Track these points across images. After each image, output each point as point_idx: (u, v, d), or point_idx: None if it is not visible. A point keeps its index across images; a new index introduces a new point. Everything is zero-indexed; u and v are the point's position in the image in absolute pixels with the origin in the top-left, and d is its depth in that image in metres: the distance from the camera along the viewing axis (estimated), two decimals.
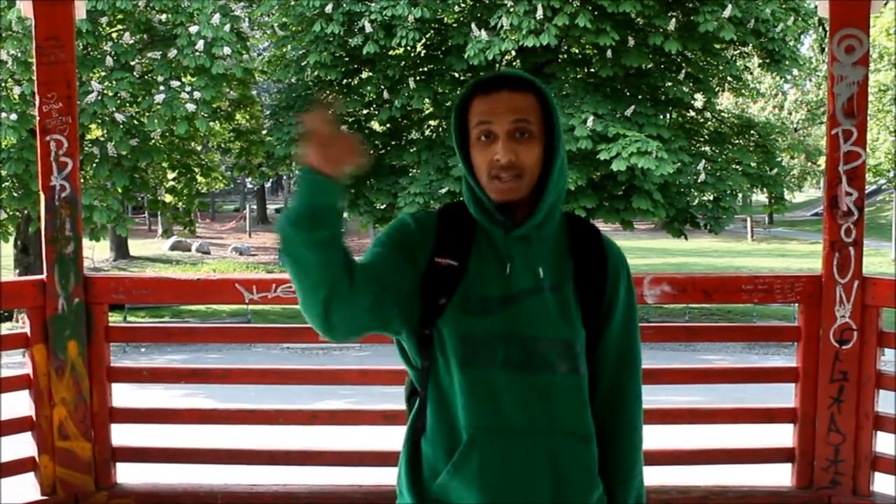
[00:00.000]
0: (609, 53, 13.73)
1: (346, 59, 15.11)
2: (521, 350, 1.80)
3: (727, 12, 13.36)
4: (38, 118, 3.76)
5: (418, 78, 14.78)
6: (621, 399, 1.94)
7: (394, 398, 2.87)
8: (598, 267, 1.89)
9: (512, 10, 13.23)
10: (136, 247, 28.89)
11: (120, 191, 14.41)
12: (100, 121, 13.19)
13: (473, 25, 13.87)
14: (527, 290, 1.82)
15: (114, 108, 13.03)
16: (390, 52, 15.00)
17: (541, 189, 1.84)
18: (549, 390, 1.81)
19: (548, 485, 1.79)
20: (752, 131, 16.77)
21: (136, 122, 14.01)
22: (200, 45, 13.10)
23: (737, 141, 16.35)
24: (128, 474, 4.03)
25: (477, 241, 1.86)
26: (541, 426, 1.80)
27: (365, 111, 15.83)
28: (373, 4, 14.15)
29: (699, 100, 16.59)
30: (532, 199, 1.84)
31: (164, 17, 14.41)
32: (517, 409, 1.79)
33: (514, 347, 1.80)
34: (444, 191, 13.70)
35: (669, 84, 14.61)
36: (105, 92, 12.88)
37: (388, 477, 2.59)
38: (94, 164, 13.51)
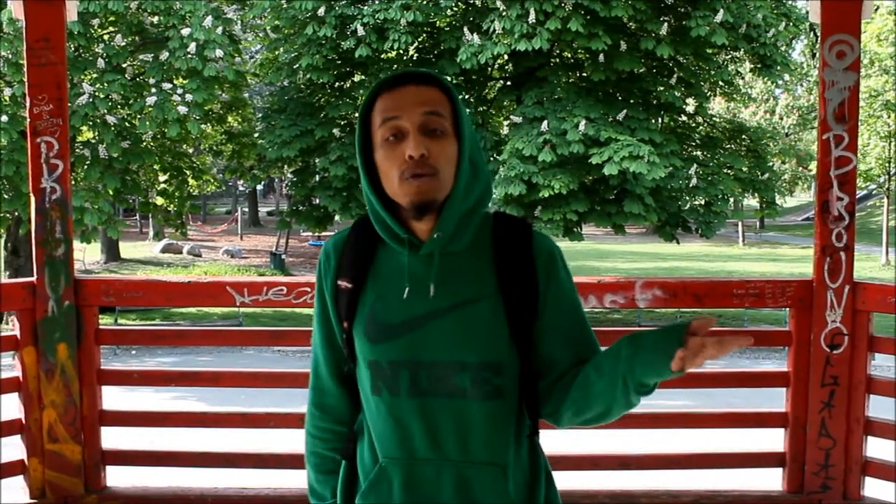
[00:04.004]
0: (601, 57, 13.76)
1: (339, 62, 15.12)
2: (428, 376, 1.67)
3: (719, 17, 13.42)
4: (28, 120, 3.73)
5: None
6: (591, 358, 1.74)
7: None
8: (526, 274, 1.71)
9: (504, 14, 13.25)
10: (127, 249, 28.82)
11: (111, 193, 14.39)
12: (91, 123, 13.17)
13: (466, 29, 13.89)
14: (431, 313, 1.67)
15: (105, 110, 13.01)
16: (383, 56, 15.02)
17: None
18: (461, 418, 1.67)
19: None
20: (743, 136, 16.83)
21: (127, 124, 13.99)
22: (192, 47, 13.09)
23: (728, 145, 16.40)
24: (117, 477, 4.00)
25: (380, 260, 1.74)
26: (452, 456, 1.68)
27: (357, 114, 15.82)
28: (365, 8, 14.16)
29: (691, 104, 16.64)
30: (440, 209, 1.66)
31: (155, 19, 14.39)
32: (426, 438, 1.68)
33: (420, 374, 1.67)
34: None
35: (661, 88, 14.65)
36: (96, 94, 12.87)
37: None
38: (86, 166, 13.49)
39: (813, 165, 26.14)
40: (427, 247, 1.68)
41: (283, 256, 27.55)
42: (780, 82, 19.57)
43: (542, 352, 1.74)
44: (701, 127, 16.84)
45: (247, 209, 41.95)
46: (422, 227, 1.68)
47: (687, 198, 14.71)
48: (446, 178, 1.64)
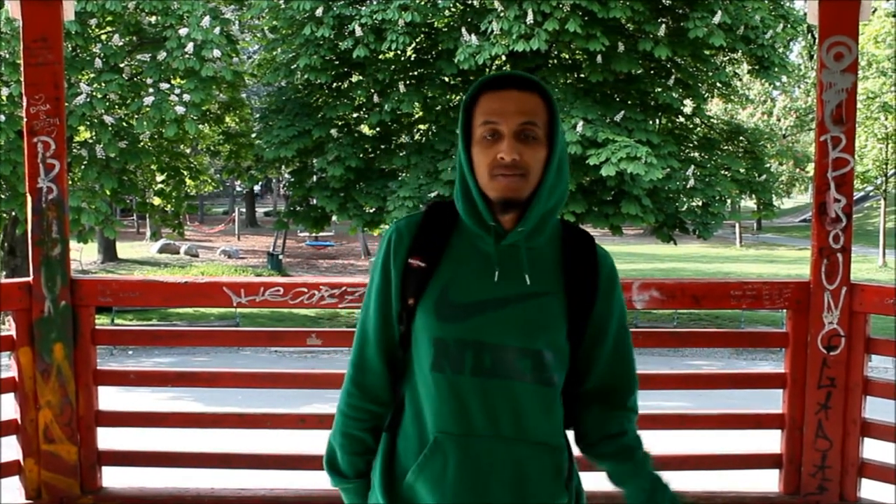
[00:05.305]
0: (599, 59, 13.75)
1: (336, 62, 15.10)
2: (491, 358, 1.79)
3: (717, 19, 13.42)
4: (25, 119, 3.73)
5: (408, 82, 14.79)
6: (615, 392, 1.96)
7: None
8: (590, 279, 1.87)
9: (502, 14, 13.24)
10: (124, 249, 28.79)
11: (108, 193, 14.37)
12: (88, 123, 13.14)
13: (464, 30, 13.88)
14: (504, 299, 1.80)
15: (103, 110, 12.99)
16: (380, 56, 15.00)
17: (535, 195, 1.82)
18: (516, 399, 1.80)
19: (509, 490, 1.80)
20: (741, 137, 16.83)
21: (124, 124, 13.97)
22: (190, 47, 13.07)
23: (726, 147, 16.40)
24: (113, 478, 4.00)
25: (454, 244, 1.85)
26: (506, 433, 1.80)
27: (355, 115, 15.83)
28: (363, 8, 14.15)
29: (688, 105, 16.63)
30: (526, 204, 1.80)
31: (153, 19, 14.37)
32: (484, 415, 1.79)
33: (484, 355, 1.79)
34: (433, 194, 13.72)
35: (659, 90, 14.64)
36: (94, 94, 12.84)
37: None
38: (83, 166, 13.47)
39: (810, 167, 26.16)
40: (511, 237, 1.82)
41: (280, 257, 27.53)
42: (777, 84, 19.54)
43: (584, 349, 1.90)
44: (698, 128, 16.83)
45: (244, 209, 41.91)
46: (505, 219, 1.82)
47: (684, 199, 14.71)
48: (533, 179, 1.79)
